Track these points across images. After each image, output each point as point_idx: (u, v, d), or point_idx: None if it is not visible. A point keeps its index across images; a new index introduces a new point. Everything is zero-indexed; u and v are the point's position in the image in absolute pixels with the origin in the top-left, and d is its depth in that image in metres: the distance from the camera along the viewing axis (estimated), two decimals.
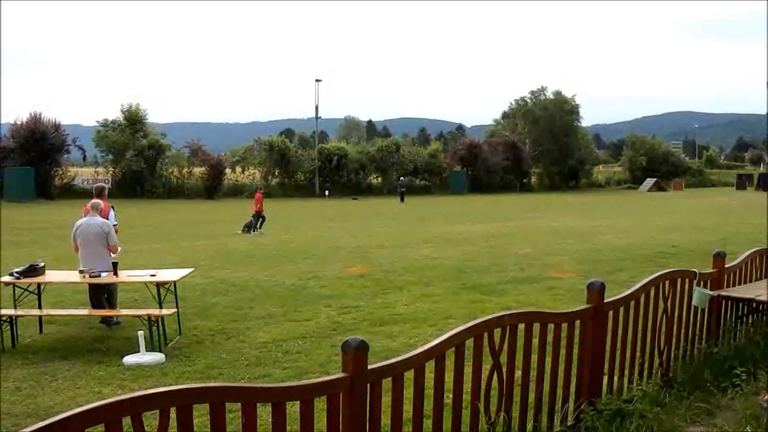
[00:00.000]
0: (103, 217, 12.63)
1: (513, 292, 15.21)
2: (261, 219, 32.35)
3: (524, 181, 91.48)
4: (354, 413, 4.59)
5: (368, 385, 4.69)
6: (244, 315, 13.09)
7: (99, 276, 11.84)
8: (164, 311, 11.15)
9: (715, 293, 8.98)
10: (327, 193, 71.12)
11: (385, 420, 4.95)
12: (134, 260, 17.96)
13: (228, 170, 74.60)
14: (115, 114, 70.08)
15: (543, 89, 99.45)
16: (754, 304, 9.54)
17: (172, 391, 3.97)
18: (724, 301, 9.38)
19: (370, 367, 4.68)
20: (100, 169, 69.33)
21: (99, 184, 14.95)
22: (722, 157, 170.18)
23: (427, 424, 5.37)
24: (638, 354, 7.70)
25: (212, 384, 4.38)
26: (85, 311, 12.57)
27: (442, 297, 14.73)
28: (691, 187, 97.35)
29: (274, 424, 4.31)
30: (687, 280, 8.59)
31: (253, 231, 31.20)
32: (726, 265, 9.55)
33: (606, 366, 7.21)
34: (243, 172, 77.03)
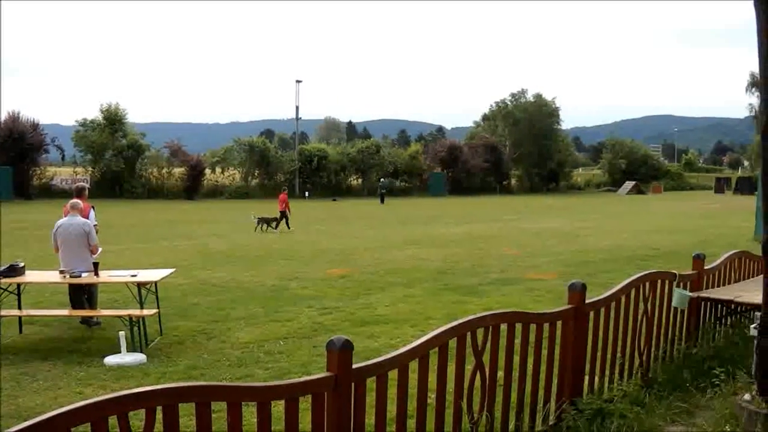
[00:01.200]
0: (84, 217, 12.57)
1: (494, 293, 15.28)
2: (285, 218, 33.94)
3: (504, 183, 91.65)
4: (338, 412, 4.60)
5: (352, 384, 4.71)
6: (226, 315, 13.08)
7: (79, 276, 11.77)
8: (145, 312, 11.11)
9: (694, 294, 9.07)
10: (307, 194, 71.02)
11: (369, 419, 4.96)
12: (114, 260, 17.90)
13: (207, 171, 74.38)
14: (94, 114, 69.80)
15: (523, 92, 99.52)
16: (733, 306, 9.62)
17: (158, 391, 3.96)
18: (703, 303, 9.47)
19: (354, 366, 4.70)
20: (79, 169, 69.02)
21: (79, 184, 14.88)
22: (701, 161, 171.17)
23: (411, 423, 5.38)
24: (619, 354, 7.77)
25: (198, 383, 4.37)
26: (65, 312, 12.51)
27: (423, 298, 14.78)
28: (670, 190, 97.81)
29: (258, 423, 4.31)
30: (667, 281, 8.66)
31: (274, 228, 32.68)
32: (705, 267, 9.65)
33: (587, 366, 7.26)
34: (223, 172, 76.79)
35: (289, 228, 33.28)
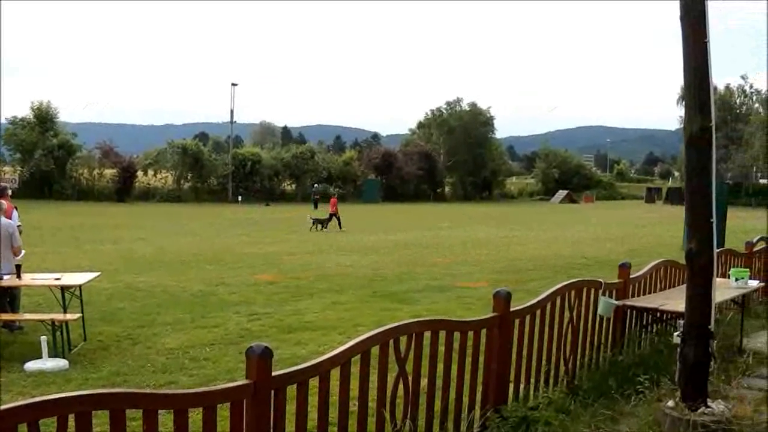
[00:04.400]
0: (7, 218, 12.29)
1: (424, 300, 15.29)
2: (337, 219, 38.38)
3: (438, 190, 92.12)
4: (257, 420, 4.52)
5: (272, 392, 4.64)
6: (151, 321, 12.89)
7: (1, 279, 11.50)
8: (68, 316, 10.89)
9: (620, 303, 9.14)
10: (240, 198, 70.68)
11: (290, 427, 4.90)
12: (39, 263, 17.54)
13: (140, 173, 73.65)
14: (25, 111, 68.75)
15: (459, 100, 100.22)
16: (658, 314, 9.73)
17: (71, 398, 3.86)
18: (629, 311, 9.55)
19: (274, 373, 4.63)
20: (7, 168, 67.97)
21: (2, 184, 14.57)
22: (633, 171, 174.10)
23: (333, 431, 5.33)
24: (544, 362, 7.79)
25: (112, 390, 4.28)
26: None
27: (352, 305, 14.73)
28: (601, 199, 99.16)
29: (175, 431, 4.23)
30: (592, 289, 8.72)
31: (325, 228, 36.95)
32: (631, 276, 9.75)
33: (512, 374, 7.28)
34: (155, 175, 76.09)
35: (325, 228, 36.90)
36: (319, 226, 36.88)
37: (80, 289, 11.62)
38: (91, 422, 3.88)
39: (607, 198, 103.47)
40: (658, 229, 38.40)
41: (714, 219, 7.01)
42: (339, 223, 38.22)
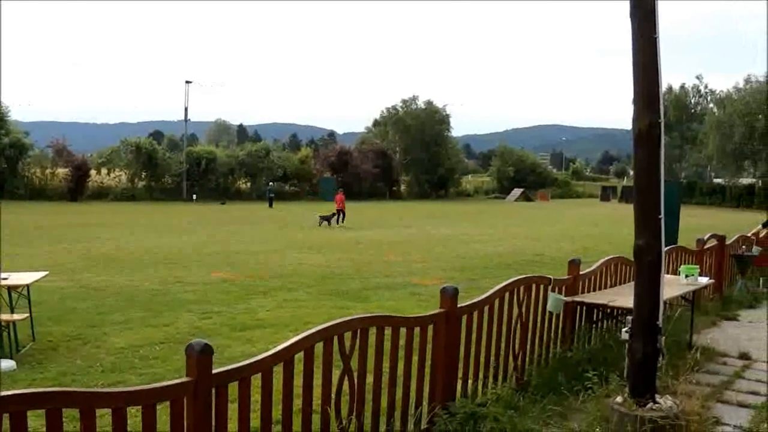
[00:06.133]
0: None
1: (377, 298, 15.32)
2: (342, 215, 40.26)
3: (394, 188, 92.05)
4: (198, 419, 4.47)
5: (213, 389, 4.59)
6: (102, 320, 12.75)
7: None
8: (16, 316, 10.74)
9: (569, 299, 9.18)
10: (195, 197, 70.19)
11: (233, 426, 4.86)
12: None
13: (93, 172, 72.78)
14: None
15: (414, 98, 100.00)
16: (608, 310, 9.78)
17: (4, 397, 3.78)
18: (578, 307, 9.60)
19: (215, 371, 4.58)
20: None
21: None
22: (588, 170, 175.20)
23: (277, 429, 5.29)
24: (493, 358, 7.81)
25: (48, 389, 4.19)
26: None
27: (305, 302, 14.71)
28: (557, 198, 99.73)
29: (114, 431, 4.16)
30: (542, 285, 8.75)
31: (333, 223, 38.54)
32: (581, 272, 9.79)
33: (461, 370, 7.27)
34: (109, 174, 75.26)
35: (338, 224, 39.02)
36: (325, 222, 38.19)
37: (28, 289, 11.44)
38: (26, 422, 3.81)
39: (562, 196, 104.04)
40: (612, 227, 38.69)
41: (663, 216, 7.03)
42: (340, 219, 39.93)
